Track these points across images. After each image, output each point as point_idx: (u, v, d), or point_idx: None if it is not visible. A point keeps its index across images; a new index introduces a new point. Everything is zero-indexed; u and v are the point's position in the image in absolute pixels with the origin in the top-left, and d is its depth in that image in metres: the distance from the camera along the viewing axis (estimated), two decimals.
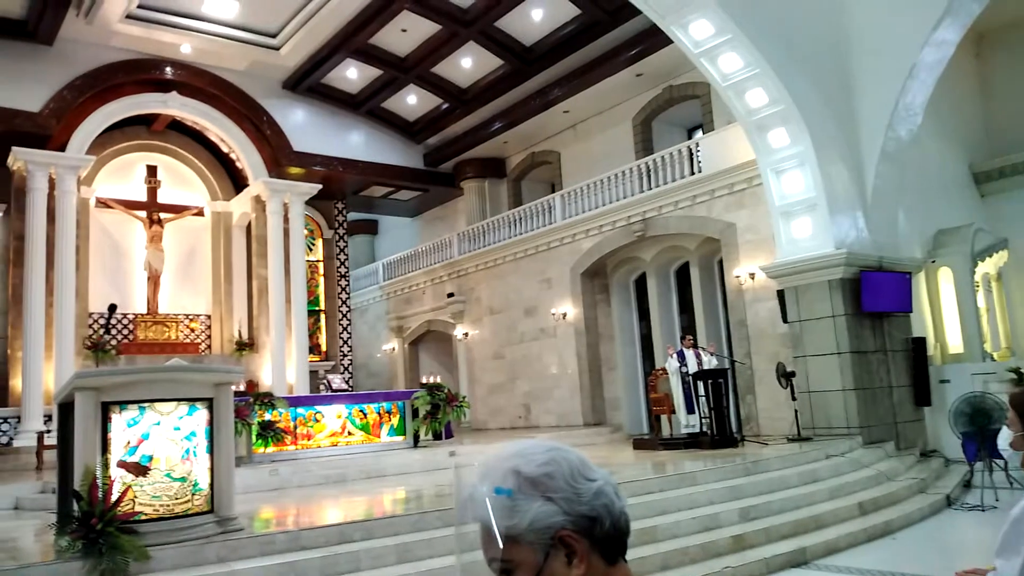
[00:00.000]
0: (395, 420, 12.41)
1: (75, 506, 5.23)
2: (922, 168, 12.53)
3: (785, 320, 11.60)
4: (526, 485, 1.09)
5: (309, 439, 11.64)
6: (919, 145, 11.89)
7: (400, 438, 12.32)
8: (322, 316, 18.63)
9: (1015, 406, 2.75)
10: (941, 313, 12.63)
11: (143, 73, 15.15)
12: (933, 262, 12.71)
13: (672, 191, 13.79)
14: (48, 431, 11.90)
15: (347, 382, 17.32)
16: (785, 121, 10.98)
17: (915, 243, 12.59)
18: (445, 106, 17.74)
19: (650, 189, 14.25)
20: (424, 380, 14.16)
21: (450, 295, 19.03)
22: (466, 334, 18.64)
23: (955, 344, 12.51)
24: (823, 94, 11.04)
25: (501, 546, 1.08)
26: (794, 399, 11.17)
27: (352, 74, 16.78)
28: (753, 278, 12.52)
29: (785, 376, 11.16)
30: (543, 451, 1.12)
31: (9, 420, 13.45)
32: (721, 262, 13.61)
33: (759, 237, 12.47)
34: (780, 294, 11.63)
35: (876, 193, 11.32)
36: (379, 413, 12.31)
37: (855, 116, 11.28)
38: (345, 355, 18.68)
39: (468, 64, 16.30)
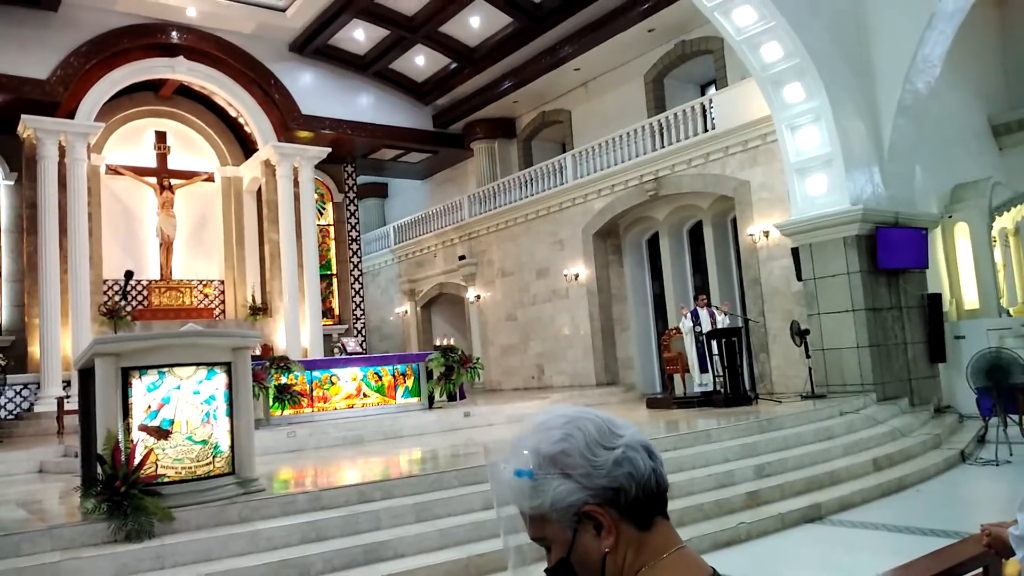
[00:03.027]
0: (409, 382, 12.50)
1: (99, 469, 5.31)
2: (940, 121, 12.32)
3: (799, 278, 11.54)
4: (545, 464, 1.08)
5: (325, 401, 11.75)
6: (937, 97, 11.68)
7: (415, 400, 12.42)
8: (334, 280, 18.68)
9: None
10: (957, 269, 12.52)
11: (149, 38, 15.01)
12: (950, 217, 12.56)
13: (685, 149, 13.63)
14: (67, 396, 12.07)
15: (361, 345, 17.42)
16: (801, 75, 10.80)
17: (932, 198, 12.43)
18: (454, 66, 17.52)
19: (663, 147, 14.09)
20: (438, 342, 14.21)
21: (461, 257, 19.02)
22: (478, 296, 18.66)
23: (971, 300, 12.42)
24: (839, 47, 10.82)
25: (524, 526, 1.10)
26: (808, 357, 11.16)
27: (359, 35, 16.56)
28: (767, 236, 12.43)
29: (799, 334, 11.13)
30: (560, 424, 1.10)
31: (29, 386, 13.63)
32: (735, 220, 13.50)
33: (773, 195, 12.35)
34: (795, 252, 11.55)
35: (893, 148, 11.17)
36: (394, 375, 12.39)
37: (872, 69, 11.07)
38: (358, 319, 18.76)
39: (476, 22, 16.05)
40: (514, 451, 1.11)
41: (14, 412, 13.47)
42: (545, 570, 1.12)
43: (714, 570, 1.09)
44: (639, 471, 1.08)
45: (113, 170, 15.80)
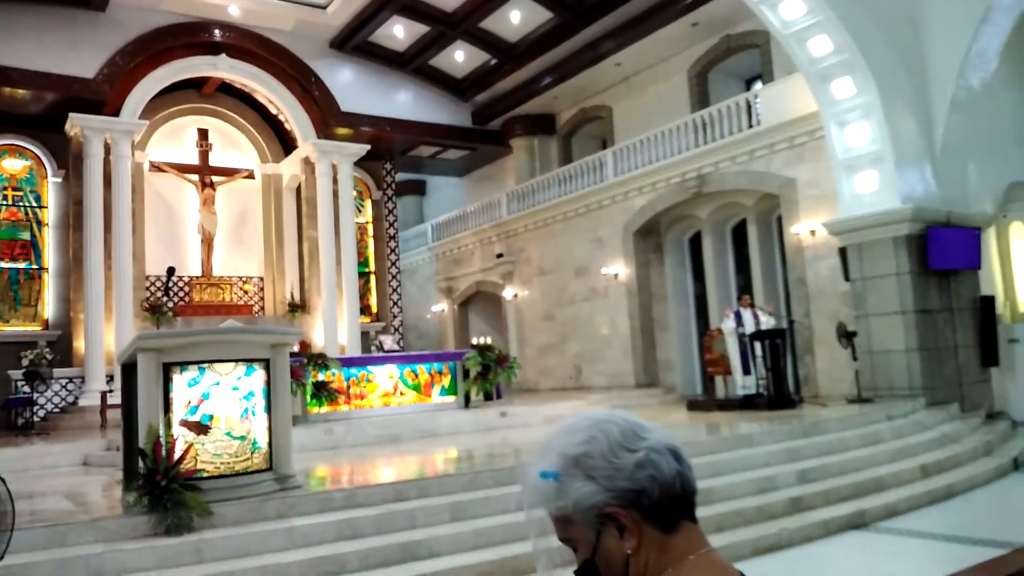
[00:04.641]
0: (446, 380, 12.47)
1: (140, 463, 5.36)
2: (994, 118, 11.93)
3: (847, 278, 11.26)
4: (569, 466, 1.10)
5: (362, 399, 11.77)
6: (992, 93, 11.31)
7: (451, 398, 12.39)
8: (372, 277, 18.76)
9: None
10: (1012, 270, 12.12)
11: (192, 36, 15.22)
12: (1004, 217, 12.17)
13: (729, 146, 13.38)
14: (111, 391, 12.26)
15: (398, 343, 17.47)
16: (850, 70, 10.53)
17: (986, 197, 12.03)
18: (493, 62, 17.45)
19: (706, 144, 13.84)
20: (474, 341, 14.17)
21: (499, 255, 18.95)
22: (516, 295, 18.59)
23: None
24: (890, 41, 10.52)
25: (553, 529, 1.13)
26: (855, 359, 10.89)
27: (399, 31, 16.59)
28: (814, 235, 12.14)
29: (846, 336, 10.87)
30: (585, 427, 1.13)
31: (74, 380, 13.89)
32: (780, 219, 13.23)
33: (821, 192, 12.05)
34: (842, 251, 11.27)
35: (945, 145, 10.84)
36: (430, 373, 12.38)
37: (924, 64, 10.76)
38: (395, 316, 18.81)
39: (516, 18, 15.97)
40: (542, 453, 1.14)
41: (60, 406, 13.74)
42: (574, 571, 1.13)
43: (741, 574, 1.09)
44: (662, 474, 1.09)
45: (156, 167, 16.05)
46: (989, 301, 11.32)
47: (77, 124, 14.02)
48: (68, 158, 14.76)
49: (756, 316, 11.49)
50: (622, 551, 1.08)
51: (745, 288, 13.86)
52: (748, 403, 11.05)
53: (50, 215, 15.07)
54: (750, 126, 13.11)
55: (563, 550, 1.14)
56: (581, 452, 1.10)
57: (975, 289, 11.33)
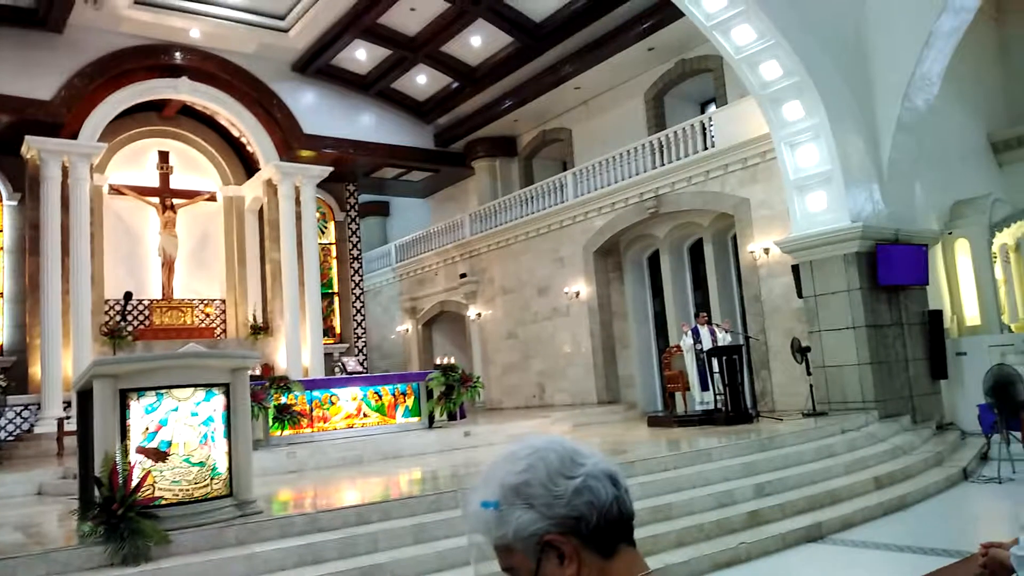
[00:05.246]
0: (410, 401, 12.47)
1: (96, 492, 5.31)
2: (939, 138, 12.35)
3: (800, 295, 11.52)
4: (509, 495, 1.10)
5: (325, 421, 11.72)
6: (936, 114, 11.70)
7: (415, 419, 12.38)
8: (336, 299, 18.70)
9: None
10: (958, 285, 12.50)
11: (153, 59, 15.13)
12: (950, 234, 12.56)
13: (685, 167, 13.67)
14: (68, 417, 12.04)
15: (362, 364, 17.41)
16: (800, 93, 10.84)
17: (932, 215, 12.44)
18: (455, 85, 17.62)
19: (663, 165, 14.13)
20: (438, 361, 14.20)
21: (463, 276, 19.04)
22: (479, 314, 18.66)
23: (972, 316, 12.39)
24: (838, 65, 10.87)
25: (497, 559, 1.12)
26: (809, 374, 11.13)
27: (361, 55, 16.69)
28: (767, 253, 12.43)
29: (800, 351, 11.11)
30: (524, 455, 1.13)
31: (30, 407, 13.61)
32: (735, 238, 13.51)
33: (773, 212, 12.37)
34: (795, 269, 11.54)
35: (892, 165, 11.18)
36: (394, 395, 12.37)
37: (871, 87, 11.11)
38: (359, 337, 18.75)
39: (477, 42, 16.17)
40: (483, 482, 1.14)
41: (14, 433, 13.45)
42: None
43: None
44: (600, 499, 1.09)
45: (116, 190, 15.87)
46: (937, 315, 11.66)
47: (33, 147, 13.83)
48: (24, 181, 14.53)
49: (713, 333, 11.71)
50: None
51: (702, 306, 14.11)
52: (707, 418, 11.24)
53: (5, 239, 14.78)
54: (705, 148, 13.41)
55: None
56: (520, 481, 1.10)
57: (923, 304, 11.67)
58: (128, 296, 14.22)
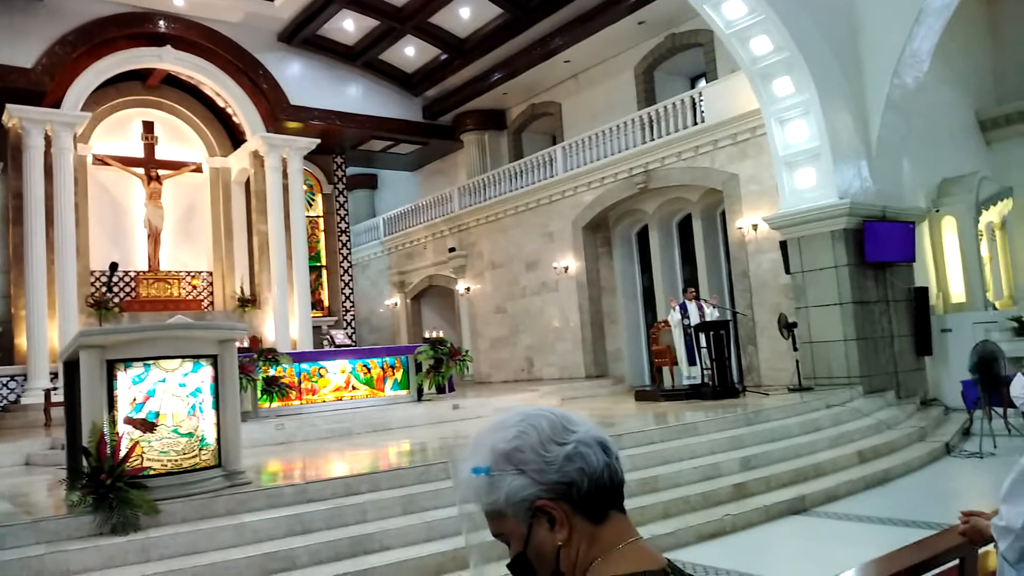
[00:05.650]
0: (399, 374, 12.49)
1: (84, 462, 5.30)
2: (928, 116, 12.37)
3: (788, 271, 11.58)
4: (500, 461, 1.11)
5: (313, 394, 11.73)
6: (925, 92, 11.71)
7: (404, 392, 12.42)
8: (324, 272, 18.64)
9: None
10: (944, 262, 12.60)
11: (136, 27, 14.87)
12: (937, 211, 12.63)
13: (674, 142, 13.64)
14: (54, 389, 12.00)
15: (350, 337, 17.39)
16: (790, 69, 10.81)
17: (919, 192, 12.49)
18: (444, 57, 17.45)
19: (652, 140, 14.09)
20: (427, 335, 14.21)
21: (451, 249, 19.00)
22: (468, 288, 18.66)
23: (957, 293, 12.51)
24: (829, 41, 10.83)
25: (485, 524, 1.14)
26: (795, 350, 11.22)
27: (348, 25, 16.48)
28: (756, 229, 12.47)
29: (787, 327, 11.19)
30: (515, 422, 1.14)
31: (16, 378, 13.55)
32: (724, 214, 13.53)
33: (762, 188, 12.38)
34: (783, 245, 11.59)
35: (881, 142, 11.20)
36: (383, 368, 12.38)
37: (860, 63, 11.10)
38: (347, 310, 18.73)
39: (467, 13, 15.99)
40: (473, 449, 1.15)
41: (1, 404, 13.40)
42: (507, 565, 1.14)
43: (669, 562, 1.12)
44: (591, 466, 1.11)
45: (100, 160, 15.67)
46: (923, 292, 11.75)
47: (15, 115, 13.61)
48: (6, 150, 14.31)
49: (701, 308, 11.77)
50: (553, 543, 1.10)
51: (691, 281, 14.17)
52: (694, 393, 11.32)
53: None
54: (695, 123, 13.38)
55: (496, 544, 1.15)
56: (512, 447, 1.11)
57: (909, 281, 11.76)
58: (114, 267, 14.09)
